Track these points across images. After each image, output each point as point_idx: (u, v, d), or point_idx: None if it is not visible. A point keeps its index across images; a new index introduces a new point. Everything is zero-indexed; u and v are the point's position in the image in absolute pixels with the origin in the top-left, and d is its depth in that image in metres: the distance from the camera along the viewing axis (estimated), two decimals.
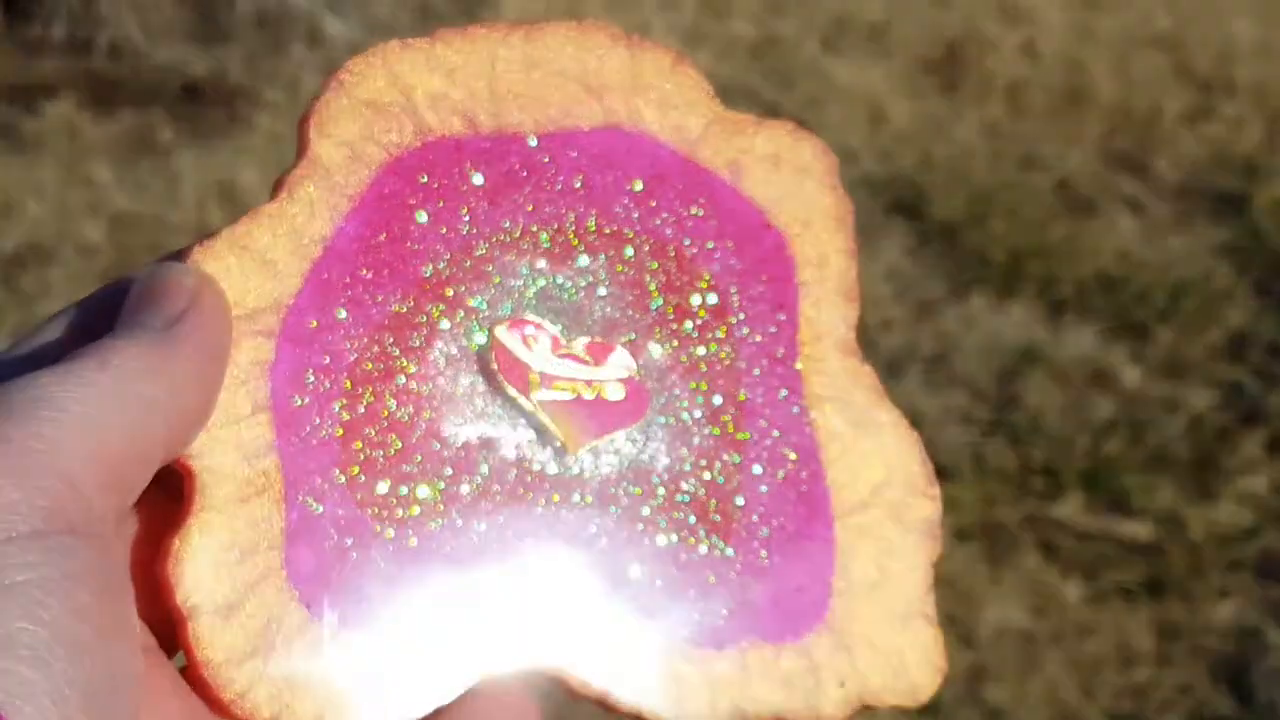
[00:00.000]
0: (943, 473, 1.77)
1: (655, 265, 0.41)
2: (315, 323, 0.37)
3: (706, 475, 0.40)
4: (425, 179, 0.39)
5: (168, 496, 0.36)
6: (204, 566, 0.35)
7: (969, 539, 1.59)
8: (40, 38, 2.37)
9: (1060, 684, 1.45)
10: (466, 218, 0.39)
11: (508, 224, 0.40)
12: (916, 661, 0.41)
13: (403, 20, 2.42)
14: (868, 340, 1.84)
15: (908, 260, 1.99)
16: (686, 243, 0.41)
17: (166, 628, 0.35)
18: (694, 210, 0.41)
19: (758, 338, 0.41)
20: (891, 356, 1.82)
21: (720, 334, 0.41)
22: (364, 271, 0.38)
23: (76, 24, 2.36)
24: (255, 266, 0.37)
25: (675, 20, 2.50)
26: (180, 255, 0.37)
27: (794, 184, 0.42)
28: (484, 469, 0.38)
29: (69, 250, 1.97)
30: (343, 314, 0.38)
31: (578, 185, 0.40)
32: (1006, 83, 2.34)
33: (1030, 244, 1.99)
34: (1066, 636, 1.50)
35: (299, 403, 0.37)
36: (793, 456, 0.41)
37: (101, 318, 0.36)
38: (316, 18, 2.42)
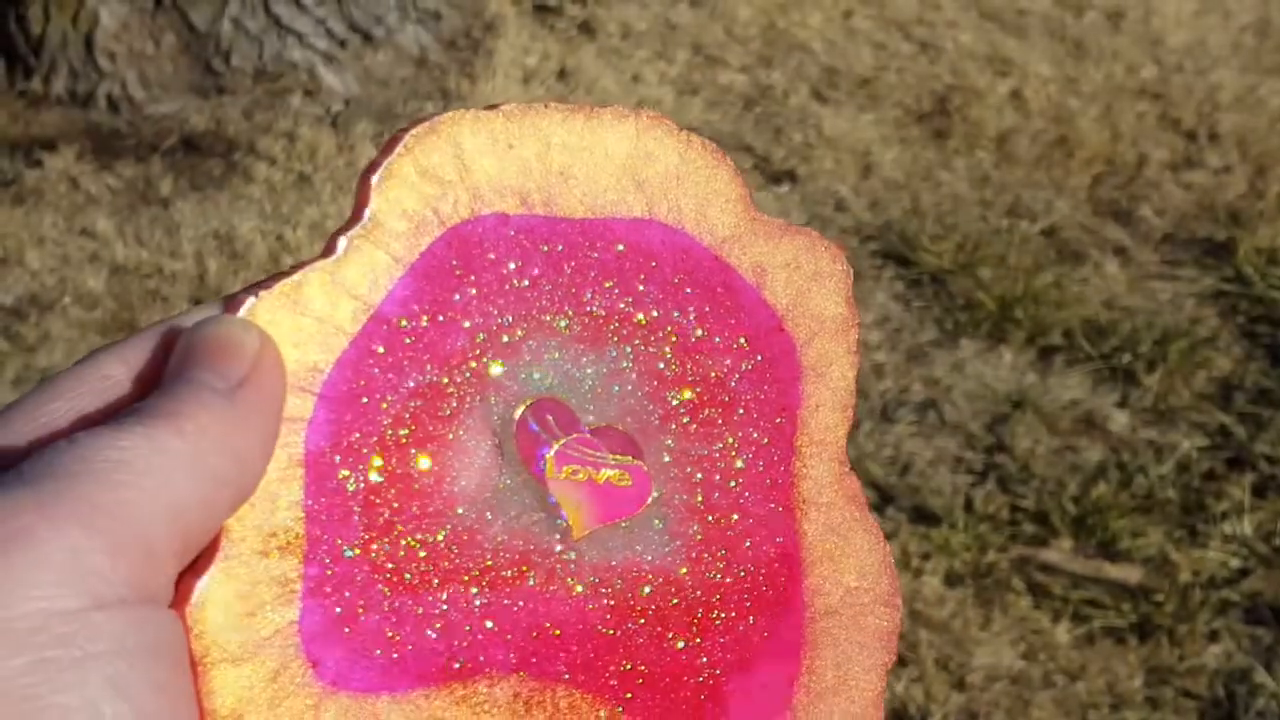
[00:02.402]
0: (934, 517, 1.78)
1: (675, 359, 0.41)
2: (353, 385, 0.37)
3: (696, 568, 0.41)
4: (476, 252, 0.39)
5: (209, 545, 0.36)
6: (221, 614, 0.35)
7: (960, 583, 1.60)
8: (41, 91, 2.39)
9: None
10: (507, 294, 0.39)
11: (544, 304, 0.40)
12: None
13: (399, 74, 2.44)
14: (859, 387, 1.85)
15: (898, 307, 2.01)
16: (706, 338, 0.42)
17: None
18: (718, 308, 0.42)
19: (758, 437, 0.42)
20: (883, 402, 1.84)
21: (725, 431, 0.42)
22: (406, 339, 0.38)
23: (77, 77, 2.38)
24: (306, 323, 0.37)
25: (667, 70, 2.52)
26: (232, 300, 0.37)
27: (808, 291, 0.43)
28: (495, 541, 0.39)
29: (69, 300, 1.98)
30: (380, 378, 0.38)
31: (613, 273, 0.41)
32: (995, 132, 2.37)
33: (1019, 291, 2.00)
34: (1057, 679, 1.51)
35: (330, 461, 0.37)
36: (775, 555, 0.42)
37: (150, 366, 0.35)
38: (314, 70, 2.44)
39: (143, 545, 0.31)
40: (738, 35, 2.63)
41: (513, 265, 0.40)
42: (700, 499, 0.41)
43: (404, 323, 0.38)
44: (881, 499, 1.69)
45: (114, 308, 1.97)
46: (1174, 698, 1.49)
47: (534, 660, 0.39)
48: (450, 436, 0.39)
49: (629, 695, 0.40)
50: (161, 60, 2.40)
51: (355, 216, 0.38)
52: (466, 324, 0.39)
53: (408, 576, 0.38)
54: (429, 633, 0.38)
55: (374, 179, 0.38)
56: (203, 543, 0.34)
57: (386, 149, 0.39)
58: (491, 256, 0.39)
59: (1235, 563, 1.62)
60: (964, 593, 1.58)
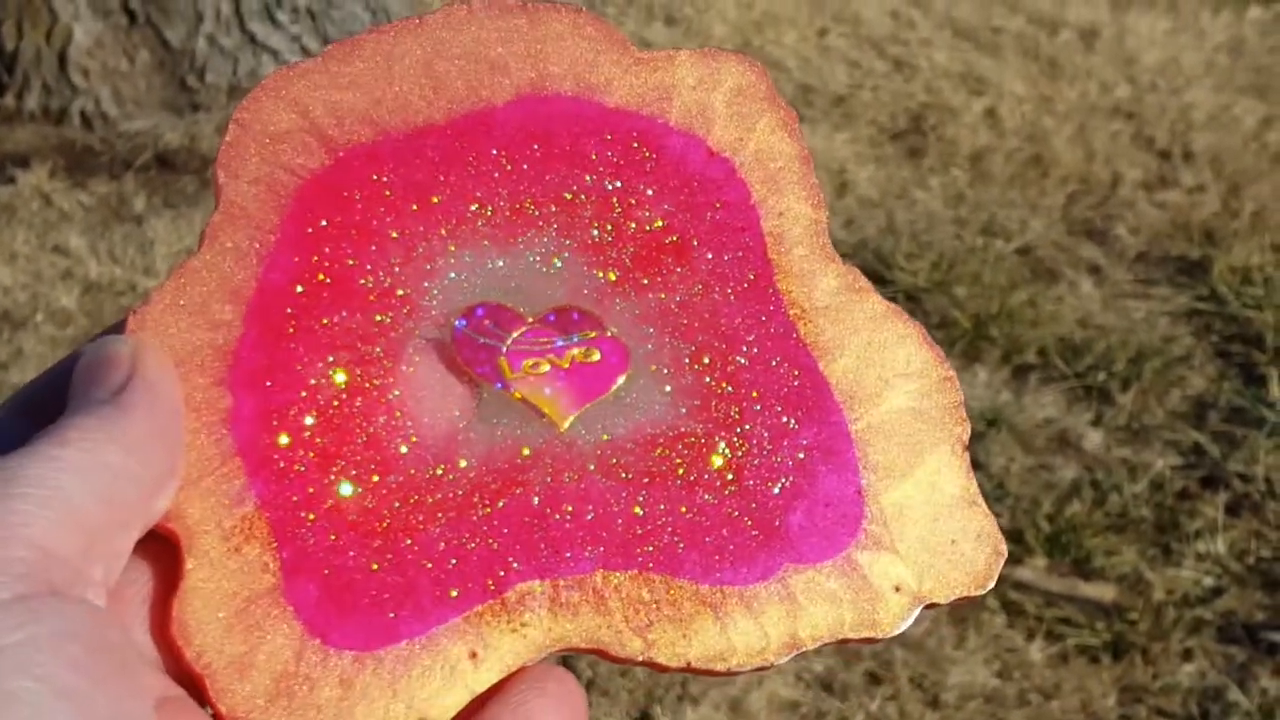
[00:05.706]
0: None
1: (603, 220, 0.39)
2: (264, 361, 0.37)
3: (706, 414, 0.38)
4: (346, 194, 0.38)
5: (177, 560, 0.35)
6: (207, 623, 0.34)
7: None
8: (14, 107, 2.38)
9: None
10: (397, 222, 0.38)
11: (439, 217, 0.38)
12: (972, 548, 0.39)
13: None
14: None
15: None
16: (630, 191, 0.40)
17: (194, 686, 0.35)
18: (628, 157, 0.40)
19: (727, 266, 0.40)
20: None
21: (687, 270, 0.39)
22: (303, 299, 0.37)
23: (50, 94, 2.37)
24: (194, 320, 0.36)
25: None
26: (120, 327, 0.37)
27: (727, 105, 0.41)
28: (481, 461, 0.37)
29: (41, 317, 1.98)
30: (289, 345, 0.37)
31: (504, 162, 0.39)
32: (969, 150, 2.37)
33: (993, 309, 2.01)
34: (1031, 698, 1.51)
35: (266, 442, 0.36)
36: (792, 373, 0.39)
37: (52, 399, 0.36)
38: None
39: (35, 547, 0.32)
40: None
41: (391, 193, 0.38)
42: (685, 346, 0.39)
43: (297, 286, 0.37)
44: None
45: (87, 325, 1.96)
46: (1148, 716, 1.49)
47: (559, 562, 0.37)
48: (389, 375, 0.37)
49: (674, 558, 0.37)
50: (135, 77, 2.39)
51: (217, 205, 0.38)
52: (365, 262, 0.38)
53: (394, 523, 0.36)
54: (433, 571, 0.36)
55: (219, 164, 0.38)
56: (125, 538, 0.34)
57: (224, 133, 0.38)
58: (364, 192, 0.38)
59: (1209, 581, 1.62)
60: (938, 611, 1.58)
